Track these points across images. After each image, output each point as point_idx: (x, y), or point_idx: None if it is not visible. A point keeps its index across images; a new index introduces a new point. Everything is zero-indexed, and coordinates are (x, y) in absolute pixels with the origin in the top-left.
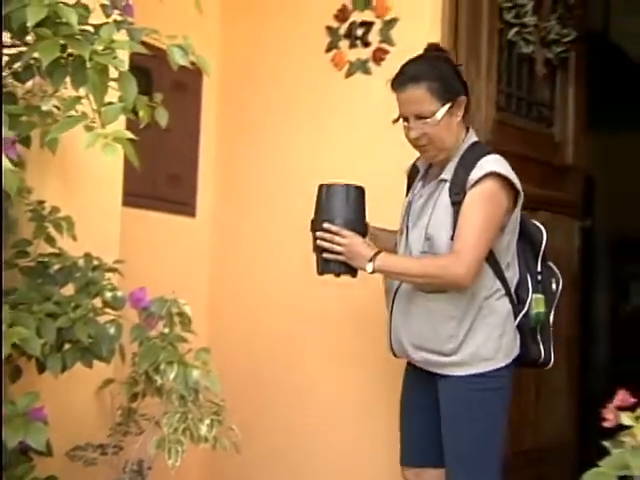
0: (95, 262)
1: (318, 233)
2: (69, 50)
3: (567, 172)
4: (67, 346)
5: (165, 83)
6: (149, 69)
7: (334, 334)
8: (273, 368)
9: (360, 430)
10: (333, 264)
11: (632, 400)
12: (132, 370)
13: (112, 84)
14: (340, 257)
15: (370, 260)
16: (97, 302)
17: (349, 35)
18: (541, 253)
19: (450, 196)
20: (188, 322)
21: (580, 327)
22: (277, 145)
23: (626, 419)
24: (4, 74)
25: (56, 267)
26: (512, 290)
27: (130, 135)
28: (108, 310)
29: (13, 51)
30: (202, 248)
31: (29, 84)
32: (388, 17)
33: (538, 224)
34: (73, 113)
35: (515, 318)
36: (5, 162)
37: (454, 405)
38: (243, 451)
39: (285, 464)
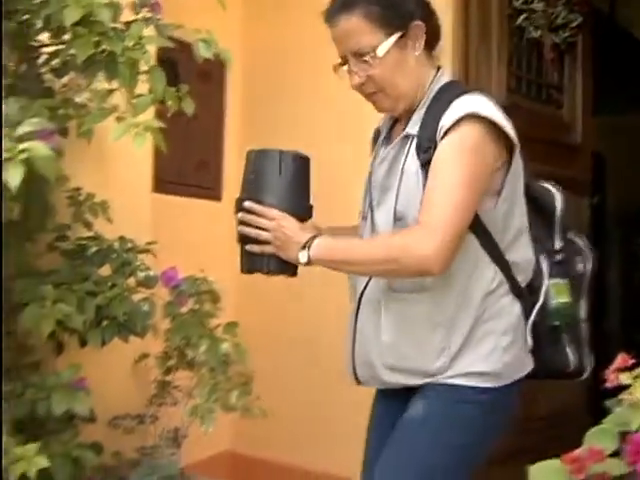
0: (129, 244)
1: (239, 215)
2: (102, 46)
3: (576, 152)
4: (105, 322)
5: (191, 73)
6: (175, 60)
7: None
8: (299, 339)
9: None
10: (259, 259)
11: (631, 362)
12: (165, 345)
13: (141, 77)
14: (267, 248)
15: (304, 247)
16: (131, 282)
17: None
18: (556, 223)
19: (418, 155)
20: (217, 299)
21: (593, 298)
22: (297, 131)
23: (625, 379)
24: (43, 70)
25: (93, 249)
26: (519, 279)
27: (159, 124)
28: (141, 289)
29: (52, 49)
30: (228, 230)
31: (65, 79)
32: None
33: (548, 185)
34: (105, 105)
35: (528, 316)
36: (44, 150)
37: (423, 416)
38: (268, 417)
39: (307, 427)
